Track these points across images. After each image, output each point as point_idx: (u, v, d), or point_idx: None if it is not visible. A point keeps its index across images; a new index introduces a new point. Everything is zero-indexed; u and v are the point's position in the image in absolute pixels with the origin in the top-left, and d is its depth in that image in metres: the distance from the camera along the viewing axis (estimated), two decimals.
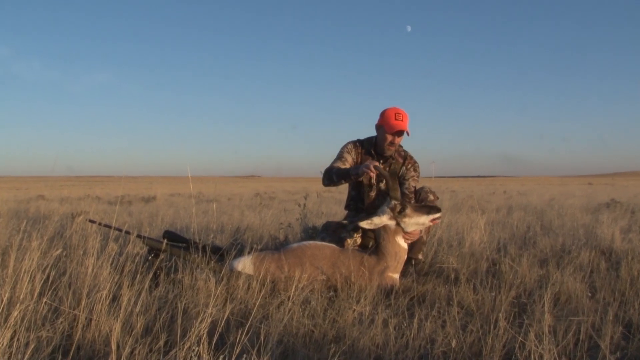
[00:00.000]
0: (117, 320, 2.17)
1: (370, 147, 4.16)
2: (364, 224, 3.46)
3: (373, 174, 3.59)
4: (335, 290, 3.18)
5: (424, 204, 3.72)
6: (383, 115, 4.03)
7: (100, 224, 3.43)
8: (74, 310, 2.33)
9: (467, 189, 27.93)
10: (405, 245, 3.51)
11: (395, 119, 3.94)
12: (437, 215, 3.51)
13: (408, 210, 3.46)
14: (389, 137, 3.99)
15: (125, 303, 2.33)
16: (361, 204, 4.20)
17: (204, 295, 2.73)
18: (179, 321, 2.27)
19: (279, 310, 2.63)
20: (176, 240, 3.47)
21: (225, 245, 3.65)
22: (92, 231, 4.05)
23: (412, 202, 3.93)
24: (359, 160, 4.15)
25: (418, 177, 4.17)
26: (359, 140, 4.23)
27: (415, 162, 4.18)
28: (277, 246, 4.70)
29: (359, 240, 3.89)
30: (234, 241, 4.26)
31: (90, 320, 2.28)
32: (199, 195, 19.43)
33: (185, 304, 2.59)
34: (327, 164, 4.09)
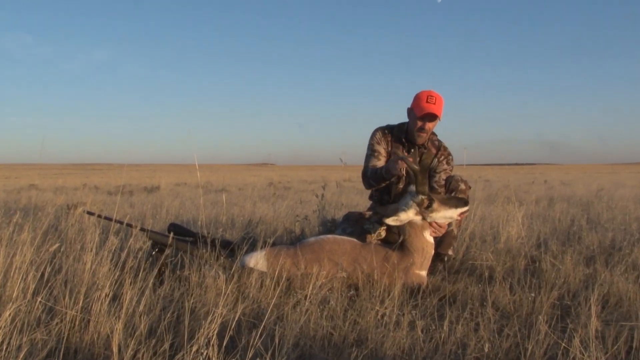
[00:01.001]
0: (118, 320, 2.19)
1: (401, 134, 4.14)
2: (390, 221, 3.45)
3: (402, 169, 3.59)
4: (357, 289, 3.18)
5: (452, 197, 3.70)
6: (415, 97, 4.00)
7: (99, 216, 3.46)
8: (70, 310, 2.36)
9: (502, 178, 27.66)
10: (432, 240, 3.51)
11: (427, 101, 3.88)
12: (465, 208, 3.55)
13: (435, 205, 3.47)
14: (419, 122, 3.96)
15: (127, 302, 2.36)
16: (387, 196, 4.19)
17: (213, 294, 2.75)
18: (186, 322, 2.29)
19: (295, 310, 2.64)
20: (182, 233, 3.50)
21: (236, 240, 3.68)
22: (90, 224, 4.11)
23: (441, 194, 3.92)
24: (390, 148, 4.14)
25: (451, 170, 4.14)
26: (388, 127, 4.21)
27: (449, 153, 4.15)
28: (293, 240, 4.71)
29: (383, 234, 3.88)
30: (246, 235, 4.28)
31: (89, 321, 2.31)
32: (207, 185, 19.57)
33: (192, 303, 2.61)
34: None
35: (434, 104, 3.88)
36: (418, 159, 4.09)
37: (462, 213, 3.55)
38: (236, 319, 2.40)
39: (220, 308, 2.25)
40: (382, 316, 2.70)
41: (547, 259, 3.82)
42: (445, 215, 3.51)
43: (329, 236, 3.52)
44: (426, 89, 3.97)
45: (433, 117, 3.92)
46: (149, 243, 3.40)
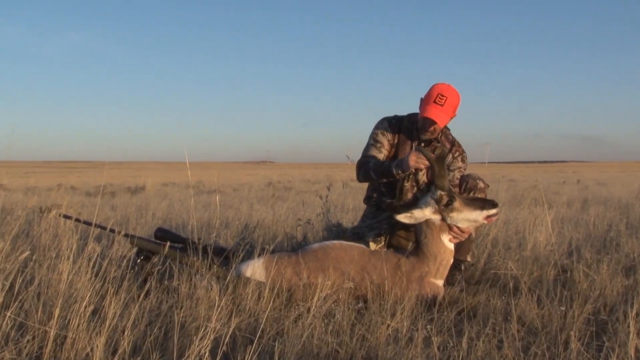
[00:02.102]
0: (99, 337, 2.20)
1: (411, 126, 4.12)
2: (402, 217, 3.44)
3: (419, 164, 3.58)
4: (365, 301, 3.19)
5: (477, 197, 3.68)
6: (428, 91, 3.97)
7: (77, 220, 3.47)
8: (44, 326, 2.37)
9: (529, 177, 27.60)
10: (451, 246, 3.50)
11: (435, 101, 3.83)
12: (494, 211, 3.45)
13: (457, 203, 3.43)
14: (421, 121, 3.96)
15: (109, 316, 2.37)
16: (388, 198, 4.16)
17: (205, 307, 2.76)
18: (175, 338, 2.30)
19: (297, 325, 2.64)
20: (171, 239, 3.50)
21: (231, 246, 3.68)
22: (67, 229, 4.11)
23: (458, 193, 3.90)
24: (395, 142, 4.12)
25: (465, 169, 4.13)
26: (396, 118, 4.19)
27: (463, 151, 4.14)
28: (294, 247, 4.71)
29: (383, 242, 3.91)
30: (242, 241, 4.28)
31: (66, 338, 2.31)
32: (198, 185, 19.60)
33: (182, 317, 2.62)
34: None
35: (442, 105, 3.83)
36: (432, 152, 4.09)
37: (489, 216, 3.45)
38: (230, 334, 2.41)
39: (213, 322, 2.26)
40: (394, 331, 2.71)
41: (580, 268, 3.81)
42: (469, 217, 3.44)
43: (335, 242, 3.52)
44: (442, 83, 3.94)
45: (432, 123, 3.89)
46: (133, 250, 3.41)
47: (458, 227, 3.48)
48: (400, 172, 3.77)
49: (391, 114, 4.22)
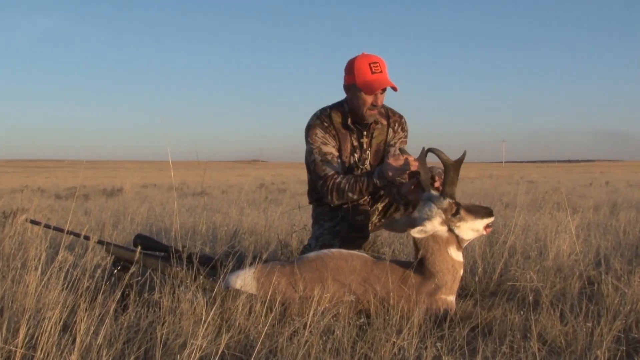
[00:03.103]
0: (70, 356, 2.20)
1: (344, 119, 4.07)
2: (415, 233, 3.37)
3: (437, 182, 3.53)
4: (368, 316, 3.19)
5: (475, 204, 3.65)
6: (352, 69, 3.93)
7: (46, 226, 3.47)
8: (8, 345, 2.37)
9: (551, 179, 27.64)
10: (460, 257, 3.47)
11: (373, 71, 3.84)
12: (491, 219, 3.50)
13: (462, 212, 3.43)
14: (369, 98, 3.89)
15: (82, 333, 2.37)
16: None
17: (190, 322, 2.76)
18: (157, 357, 2.30)
19: (292, 342, 2.65)
20: (152, 247, 3.51)
21: (219, 255, 3.68)
22: (35, 236, 4.11)
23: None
24: (338, 143, 4.06)
25: (406, 137, 4.15)
26: (323, 114, 4.13)
27: (400, 117, 4.17)
28: (289, 256, 4.72)
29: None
30: (231, 249, 4.29)
31: (33, 358, 2.31)
32: (182, 186, 19.60)
33: (164, 333, 2.62)
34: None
35: (381, 72, 3.85)
36: (369, 140, 4.08)
37: (487, 226, 3.48)
38: (219, 353, 2.41)
39: (199, 339, 2.26)
40: (400, 350, 2.71)
41: (608, 280, 3.81)
42: (474, 227, 3.44)
43: (333, 250, 3.52)
44: (361, 54, 3.93)
45: (384, 90, 3.89)
46: (109, 259, 3.41)
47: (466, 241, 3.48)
48: (384, 182, 3.72)
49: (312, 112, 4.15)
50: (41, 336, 2.34)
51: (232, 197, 13.22)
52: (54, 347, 2.32)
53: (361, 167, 4.07)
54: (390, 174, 3.62)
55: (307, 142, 4.09)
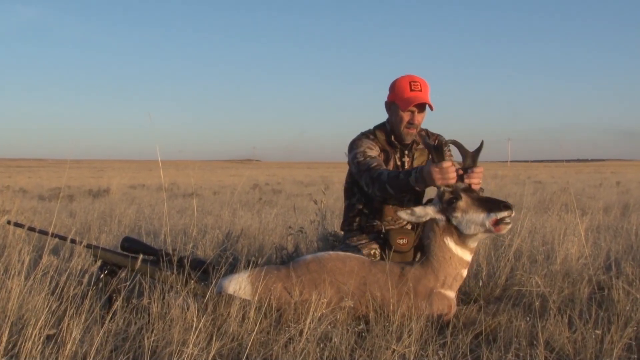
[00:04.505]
0: None
1: (388, 137, 4.20)
2: (403, 214, 3.48)
3: (451, 180, 3.46)
4: (367, 322, 3.20)
5: (492, 197, 3.60)
6: (393, 87, 4.11)
7: (30, 228, 3.46)
8: None
9: (559, 179, 27.66)
10: (460, 253, 3.46)
11: (412, 89, 3.99)
12: (504, 214, 3.29)
13: (462, 202, 3.38)
14: (406, 116, 4.02)
15: (68, 341, 2.37)
16: (373, 220, 4.18)
17: (180, 329, 2.76)
18: None
19: (287, 350, 2.66)
20: (140, 250, 3.51)
21: (211, 258, 3.69)
22: (18, 239, 4.11)
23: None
24: (383, 157, 4.15)
25: (449, 150, 4.21)
26: (368, 132, 4.25)
27: (438, 136, 4.28)
28: (284, 259, 4.73)
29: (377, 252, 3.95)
30: (223, 252, 4.29)
31: None
32: (172, 187, 19.58)
33: (153, 341, 2.63)
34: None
35: (420, 90, 3.99)
36: (411, 162, 4.20)
37: (497, 222, 3.31)
38: None
39: (190, 347, 2.27)
40: (400, 357, 2.72)
41: (619, 285, 3.82)
42: (475, 219, 3.34)
43: (330, 253, 3.53)
44: (405, 75, 4.08)
45: (423, 107, 4.02)
46: (96, 263, 3.41)
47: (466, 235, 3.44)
48: (422, 186, 3.67)
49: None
50: (24, 344, 2.34)
51: (224, 199, 13.21)
52: (38, 356, 2.32)
53: None
54: (434, 181, 3.47)
55: (351, 151, 4.15)
